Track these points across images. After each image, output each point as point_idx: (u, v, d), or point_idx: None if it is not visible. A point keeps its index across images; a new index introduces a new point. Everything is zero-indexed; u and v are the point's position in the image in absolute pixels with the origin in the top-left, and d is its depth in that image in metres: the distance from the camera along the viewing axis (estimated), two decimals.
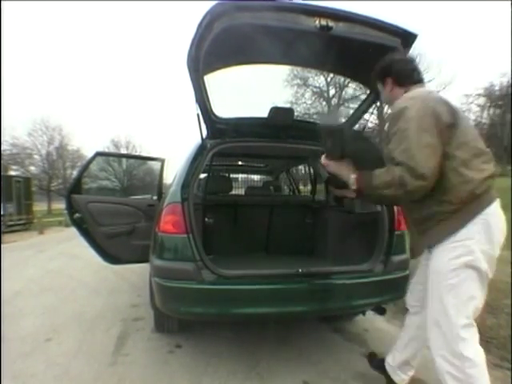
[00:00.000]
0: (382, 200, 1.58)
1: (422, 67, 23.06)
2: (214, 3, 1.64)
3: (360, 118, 2.67)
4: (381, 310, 2.21)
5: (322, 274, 2.04)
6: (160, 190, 3.21)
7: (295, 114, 2.67)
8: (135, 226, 2.96)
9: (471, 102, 35.83)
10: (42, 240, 10.74)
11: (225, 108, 2.32)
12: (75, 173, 26.02)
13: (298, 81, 22.49)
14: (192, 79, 1.97)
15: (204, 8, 1.65)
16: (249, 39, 1.81)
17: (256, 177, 5.29)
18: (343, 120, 1.83)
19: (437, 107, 1.36)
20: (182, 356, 2.28)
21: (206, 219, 2.97)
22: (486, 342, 2.31)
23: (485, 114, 36.81)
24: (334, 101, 24.72)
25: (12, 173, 23.70)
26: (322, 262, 2.53)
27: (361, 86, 2.81)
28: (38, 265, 5.95)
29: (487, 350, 2.21)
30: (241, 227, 3.00)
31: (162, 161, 3.41)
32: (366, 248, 2.23)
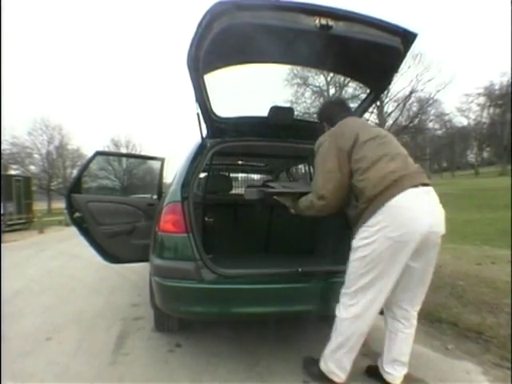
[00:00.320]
0: (310, 215, 1.90)
1: (422, 66, 23.19)
2: (213, 2, 1.63)
3: (360, 117, 2.67)
4: (381, 310, 2.21)
5: (322, 274, 2.04)
6: (160, 189, 3.21)
7: (295, 113, 2.67)
8: (135, 226, 2.96)
9: (471, 102, 35.89)
10: (42, 239, 10.74)
11: (225, 107, 2.32)
12: (75, 172, 26.09)
13: (298, 80, 22.50)
14: (192, 78, 1.96)
15: (204, 7, 1.64)
16: (249, 38, 1.81)
17: (256, 176, 5.28)
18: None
19: (339, 142, 1.73)
20: (182, 355, 2.28)
21: (206, 218, 2.97)
22: (485, 341, 2.32)
23: (485, 114, 36.83)
24: None
25: (12, 172, 23.70)
26: (322, 261, 2.53)
27: (361, 85, 2.81)
28: (38, 264, 5.95)
29: (487, 350, 2.23)
30: (241, 226, 3.01)
31: (162, 160, 3.41)
32: None
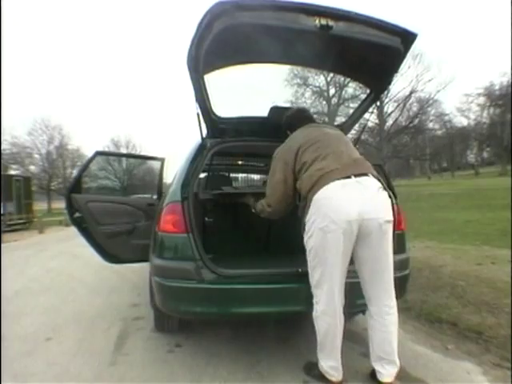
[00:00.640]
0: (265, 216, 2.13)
1: (422, 67, 23.21)
2: (213, 2, 1.63)
3: (360, 117, 2.67)
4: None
5: None
6: (160, 189, 3.21)
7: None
8: (135, 226, 2.95)
9: (471, 102, 35.90)
10: (42, 239, 10.75)
11: (225, 107, 2.32)
12: (75, 172, 26.09)
13: (298, 80, 22.55)
14: (192, 79, 1.96)
15: (204, 7, 1.64)
16: (249, 38, 1.81)
17: (256, 176, 5.28)
18: None
19: (285, 156, 1.91)
20: (182, 355, 2.27)
21: (206, 218, 2.97)
22: (485, 341, 2.32)
23: (485, 114, 36.85)
24: (334, 100, 24.73)
25: (12, 172, 23.72)
26: None
27: (361, 85, 2.81)
28: (38, 264, 5.96)
29: (487, 350, 2.23)
30: (241, 226, 3.00)
31: (162, 160, 3.40)
32: None
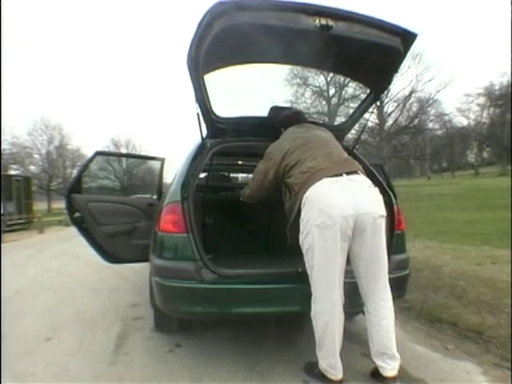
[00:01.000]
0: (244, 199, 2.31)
1: (422, 67, 23.21)
2: (213, 2, 1.63)
3: (360, 117, 2.67)
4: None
5: None
6: (160, 189, 3.21)
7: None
8: (135, 226, 2.95)
9: (471, 102, 35.94)
10: (42, 239, 10.76)
11: (225, 107, 2.32)
12: (75, 172, 26.04)
13: (298, 80, 22.48)
14: (192, 78, 1.96)
15: (204, 7, 1.64)
16: (249, 39, 1.81)
17: None
18: None
19: (274, 153, 2.01)
20: (182, 355, 2.27)
21: (206, 218, 2.97)
22: (485, 341, 2.32)
23: (485, 114, 36.88)
24: (334, 100, 24.73)
25: (12, 172, 23.73)
26: None
27: (361, 85, 2.81)
28: (38, 264, 5.96)
29: (487, 350, 2.23)
30: (241, 226, 3.00)
31: (162, 160, 3.40)
32: None
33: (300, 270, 1.92)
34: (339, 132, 2.71)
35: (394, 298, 2.06)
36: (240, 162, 4.35)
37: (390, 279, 1.90)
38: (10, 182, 15.45)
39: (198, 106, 2.13)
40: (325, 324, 1.76)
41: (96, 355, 2.30)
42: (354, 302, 1.85)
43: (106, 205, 2.95)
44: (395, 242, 2.19)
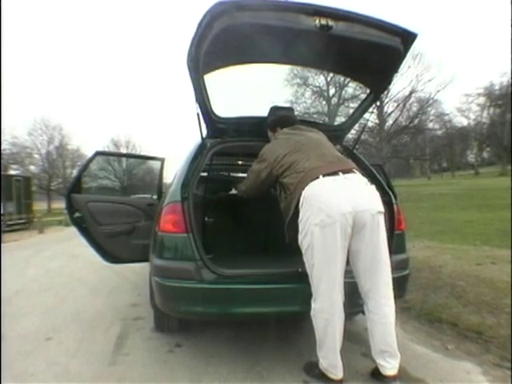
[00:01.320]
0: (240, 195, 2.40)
1: (422, 67, 23.21)
2: (213, 2, 1.63)
3: (360, 117, 2.67)
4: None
5: None
6: (160, 189, 3.21)
7: (295, 113, 2.66)
8: (135, 226, 2.95)
9: (471, 102, 35.95)
10: (42, 239, 10.76)
11: (225, 107, 2.32)
12: (75, 172, 26.07)
13: (298, 80, 22.44)
14: (192, 79, 1.96)
15: (204, 7, 1.64)
16: (249, 39, 1.81)
17: None
18: None
19: (267, 154, 2.05)
20: (182, 355, 2.27)
21: (206, 218, 2.97)
22: (485, 341, 2.32)
23: (485, 114, 36.90)
24: (334, 100, 24.71)
25: (12, 172, 23.73)
26: None
27: (361, 85, 2.81)
28: (38, 264, 5.96)
29: (487, 350, 2.23)
30: (240, 226, 3.00)
31: (162, 160, 3.40)
32: None
33: (300, 270, 1.92)
34: (339, 132, 2.71)
35: (394, 298, 2.07)
36: (240, 162, 4.35)
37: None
38: (10, 182, 15.45)
39: (197, 105, 2.13)
40: (325, 323, 1.76)
41: (96, 355, 2.30)
42: (353, 301, 1.85)
43: (106, 205, 2.95)
44: (395, 241, 2.19)
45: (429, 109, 25.95)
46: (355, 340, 2.39)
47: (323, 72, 14.65)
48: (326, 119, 23.69)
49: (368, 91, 2.48)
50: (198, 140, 2.34)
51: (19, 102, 40.92)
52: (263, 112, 2.37)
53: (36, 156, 31.61)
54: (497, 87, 33.50)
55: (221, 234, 2.91)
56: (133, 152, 32.83)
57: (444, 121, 31.37)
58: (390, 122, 25.05)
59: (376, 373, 1.86)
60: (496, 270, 3.63)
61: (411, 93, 24.54)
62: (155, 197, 3.20)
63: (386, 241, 1.82)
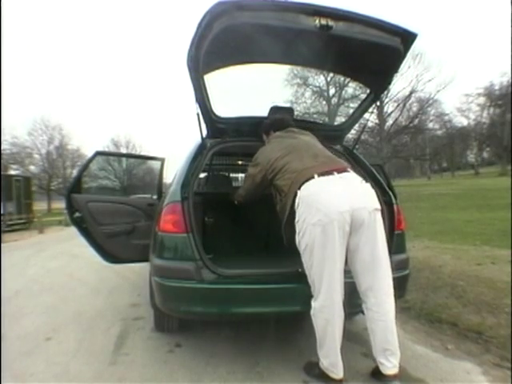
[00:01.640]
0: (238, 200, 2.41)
1: (422, 67, 23.21)
2: (213, 2, 1.63)
3: (360, 117, 2.67)
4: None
5: None
6: (160, 189, 3.20)
7: (295, 113, 2.67)
8: (135, 226, 2.95)
9: (471, 102, 35.95)
10: (42, 239, 10.76)
11: (225, 107, 2.32)
12: (75, 172, 26.09)
13: (298, 80, 22.49)
14: (192, 79, 1.96)
15: (204, 7, 1.65)
16: (249, 39, 1.81)
17: None
18: None
19: (261, 158, 2.08)
20: (182, 355, 2.27)
21: (206, 218, 2.97)
22: (485, 341, 2.32)
23: (485, 114, 36.90)
24: (334, 100, 24.73)
25: (12, 172, 23.73)
26: None
27: (361, 85, 2.81)
28: (38, 264, 5.96)
29: (487, 350, 2.23)
30: (241, 226, 3.00)
31: (162, 160, 3.40)
32: None
33: (300, 270, 1.92)
34: (339, 132, 2.72)
35: (394, 298, 2.07)
36: (240, 162, 4.35)
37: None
38: (10, 182, 15.45)
39: (197, 106, 2.13)
40: (325, 322, 1.76)
41: (96, 355, 2.30)
42: (353, 301, 1.85)
43: (106, 205, 2.95)
44: (395, 242, 2.19)
45: (429, 109, 25.97)
46: (355, 340, 2.39)
47: (323, 72, 14.67)
48: (326, 119, 23.68)
49: (368, 91, 2.48)
50: (198, 140, 2.34)
51: (19, 102, 40.94)
52: (263, 112, 2.38)
53: (36, 156, 31.64)
54: (497, 87, 33.53)
55: (221, 234, 2.91)
56: (133, 152, 32.84)
57: (444, 121, 31.38)
58: (390, 122, 25.06)
59: (376, 372, 1.86)
60: (496, 270, 3.63)
61: (411, 93, 24.55)
62: (155, 197, 3.20)
63: (384, 237, 1.82)
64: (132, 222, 2.96)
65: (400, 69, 2.35)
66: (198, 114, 2.17)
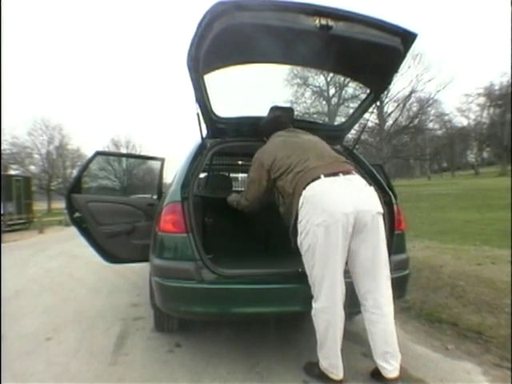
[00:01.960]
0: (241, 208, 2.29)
1: (422, 67, 23.21)
2: (213, 2, 1.63)
3: (360, 117, 2.67)
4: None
5: None
6: (160, 189, 3.20)
7: (295, 113, 2.66)
8: (135, 226, 2.95)
9: (471, 102, 35.93)
10: (42, 239, 10.76)
11: (225, 107, 2.32)
12: (75, 172, 26.05)
13: (298, 80, 22.51)
14: (192, 79, 1.96)
15: (204, 7, 1.64)
16: (249, 39, 1.81)
17: None
18: None
19: (263, 158, 2.02)
20: (182, 355, 2.27)
21: (206, 218, 2.97)
22: (485, 341, 2.32)
23: (485, 114, 36.87)
24: (334, 100, 24.74)
25: (12, 172, 23.73)
26: None
27: (361, 85, 2.81)
28: (38, 264, 5.96)
29: (487, 350, 2.23)
30: (241, 226, 3.00)
31: (162, 160, 3.40)
32: None
33: (300, 270, 1.92)
34: (339, 132, 2.72)
35: (393, 298, 2.07)
36: (240, 162, 4.35)
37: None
38: (10, 181, 15.44)
39: (197, 106, 2.13)
40: (327, 323, 1.76)
41: (96, 355, 2.30)
42: (353, 302, 1.85)
43: (106, 205, 2.95)
44: (395, 242, 2.19)
45: (429, 109, 25.99)
46: (355, 340, 2.39)
47: (323, 72, 14.67)
48: (326, 119, 23.69)
49: (368, 91, 2.48)
50: (198, 140, 2.34)
51: (19, 102, 40.94)
52: (263, 112, 2.38)
53: (36, 156, 31.63)
54: (497, 87, 33.49)
55: (221, 233, 2.91)
56: (133, 152, 32.84)
57: (444, 121, 31.38)
58: (390, 122, 25.07)
59: (376, 373, 1.85)
60: (496, 270, 3.63)
61: (411, 93, 24.57)
62: (155, 197, 3.20)
63: (385, 241, 1.83)
64: (132, 222, 2.96)
65: (400, 69, 2.35)
66: (197, 114, 2.17)
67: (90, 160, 3.11)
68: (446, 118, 31.11)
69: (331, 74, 17.67)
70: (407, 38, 1.95)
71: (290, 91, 20.25)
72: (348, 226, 1.69)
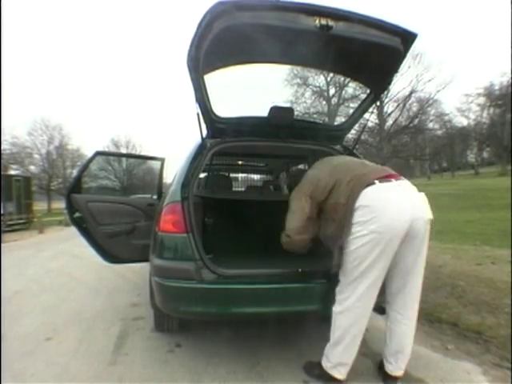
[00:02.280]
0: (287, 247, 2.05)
1: (422, 67, 23.19)
2: (213, 2, 1.63)
3: (360, 117, 2.67)
4: (381, 310, 2.21)
5: (322, 274, 2.04)
6: (160, 189, 3.21)
7: (295, 113, 2.66)
8: (135, 226, 2.96)
9: (471, 102, 35.91)
10: (42, 239, 10.75)
11: (225, 107, 2.32)
12: (75, 172, 26.04)
13: (298, 80, 22.48)
14: (192, 79, 1.96)
15: (204, 7, 1.65)
16: (249, 39, 1.81)
17: (256, 176, 5.28)
18: None
19: (304, 188, 1.93)
20: (182, 355, 2.28)
21: (206, 218, 2.97)
22: (485, 341, 2.32)
23: (485, 114, 36.85)
24: (334, 100, 24.73)
25: (12, 172, 23.71)
26: (322, 261, 2.52)
27: (361, 85, 2.81)
28: (38, 264, 5.95)
29: (487, 350, 2.23)
30: (241, 226, 3.00)
31: (162, 160, 3.40)
32: None
33: (300, 270, 1.92)
34: (339, 132, 2.72)
35: None
36: (240, 162, 4.35)
37: None
38: (10, 181, 15.44)
39: (197, 106, 2.13)
40: (352, 322, 1.76)
41: (96, 355, 2.30)
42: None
43: (106, 205, 2.95)
44: None
45: (429, 109, 25.94)
46: None
47: (323, 72, 14.68)
48: (326, 119, 23.67)
49: (368, 91, 2.48)
50: (198, 140, 2.34)
51: (19, 102, 40.92)
52: (263, 112, 2.38)
53: (36, 156, 31.60)
54: (497, 87, 33.45)
55: (221, 233, 2.91)
56: (133, 152, 32.83)
57: (444, 121, 31.32)
58: (390, 122, 25.05)
59: (380, 367, 1.89)
60: (496, 270, 3.63)
61: (411, 93, 24.54)
62: (155, 197, 3.20)
63: (427, 247, 1.81)
64: (132, 222, 2.96)
65: (400, 69, 2.35)
66: (198, 114, 2.17)
67: (90, 160, 3.11)
68: (446, 117, 31.07)
69: (331, 74, 17.68)
70: (407, 38, 1.95)
71: (290, 91, 20.25)
72: (402, 233, 1.67)
